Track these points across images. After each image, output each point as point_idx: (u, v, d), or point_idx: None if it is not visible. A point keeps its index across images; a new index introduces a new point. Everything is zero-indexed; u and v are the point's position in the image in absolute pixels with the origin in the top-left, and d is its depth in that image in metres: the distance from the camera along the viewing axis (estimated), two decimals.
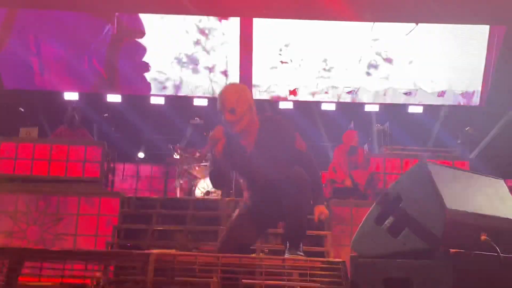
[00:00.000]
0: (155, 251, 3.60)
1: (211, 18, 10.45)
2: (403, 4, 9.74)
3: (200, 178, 8.20)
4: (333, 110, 10.70)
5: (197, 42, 10.53)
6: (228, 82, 9.52)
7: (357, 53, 10.59)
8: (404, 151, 8.32)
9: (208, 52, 10.56)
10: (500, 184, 3.16)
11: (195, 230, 6.98)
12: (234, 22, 10.47)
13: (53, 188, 7.48)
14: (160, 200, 7.40)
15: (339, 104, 10.74)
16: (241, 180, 3.79)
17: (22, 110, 9.65)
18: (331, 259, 3.26)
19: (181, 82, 10.66)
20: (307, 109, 10.77)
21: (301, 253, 3.41)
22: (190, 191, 8.18)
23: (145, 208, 7.33)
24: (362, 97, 10.80)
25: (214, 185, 3.90)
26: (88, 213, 7.28)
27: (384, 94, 10.74)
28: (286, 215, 3.46)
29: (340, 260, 3.17)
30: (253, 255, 4.07)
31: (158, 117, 10.47)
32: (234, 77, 10.41)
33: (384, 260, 2.88)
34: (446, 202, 2.70)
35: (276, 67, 10.65)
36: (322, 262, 3.17)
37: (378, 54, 10.61)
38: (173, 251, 5.53)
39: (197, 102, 10.66)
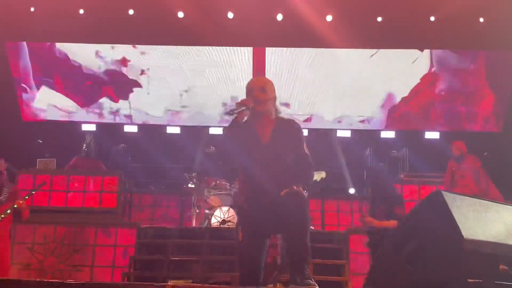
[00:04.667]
0: (171, 282, 3.57)
1: None
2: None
3: (216, 207, 8.16)
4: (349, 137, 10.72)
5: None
6: None
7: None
8: (421, 178, 8.23)
9: None
10: None
11: (211, 260, 6.95)
12: None
13: (70, 219, 7.53)
14: (176, 230, 7.40)
15: (354, 131, 10.75)
16: (241, 181, 3.79)
17: (40, 141, 9.76)
18: None
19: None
20: (323, 135, 10.77)
21: (311, 281, 3.32)
22: (206, 220, 8.15)
23: (161, 238, 7.34)
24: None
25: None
26: (105, 243, 7.32)
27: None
28: (289, 236, 3.46)
29: None
30: (269, 285, 4.02)
31: (174, 147, 10.53)
32: None
33: None
34: (463, 231, 2.66)
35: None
36: None
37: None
38: (189, 283, 5.50)
39: (212, 131, 10.74)
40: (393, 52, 10.67)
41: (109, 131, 10.68)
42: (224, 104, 10.71)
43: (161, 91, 10.85)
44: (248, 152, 3.65)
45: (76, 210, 7.71)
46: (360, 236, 7.11)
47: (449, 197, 2.82)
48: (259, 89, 3.70)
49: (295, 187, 3.45)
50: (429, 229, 2.80)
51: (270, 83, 3.81)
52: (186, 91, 10.85)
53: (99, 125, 10.78)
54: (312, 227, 8.41)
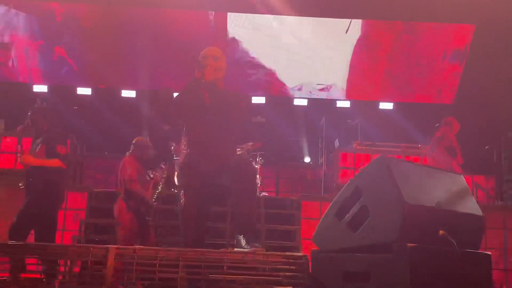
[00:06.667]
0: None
1: None
2: None
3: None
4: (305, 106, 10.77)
5: None
6: None
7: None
8: (373, 147, 8.36)
9: None
10: (459, 180, 3.19)
11: (164, 224, 6.93)
12: None
13: (18, 181, 7.32)
14: None
15: (311, 100, 10.79)
16: (185, 137, 3.79)
17: None
18: (293, 253, 3.25)
19: None
20: (280, 104, 10.79)
21: (259, 245, 3.37)
22: (160, 185, 8.07)
23: (113, 202, 7.23)
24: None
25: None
26: None
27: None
28: (237, 202, 3.49)
29: (301, 254, 3.17)
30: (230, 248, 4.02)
31: (129, 110, 10.36)
32: None
33: (343, 254, 2.90)
34: (405, 196, 2.72)
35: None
36: (284, 256, 3.16)
37: None
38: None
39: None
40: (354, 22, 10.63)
41: (62, 93, 10.38)
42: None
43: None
44: (191, 110, 3.68)
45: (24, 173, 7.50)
46: (312, 202, 7.23)
47: (393, 163, 2.87)
48: (213, 57, 3.81)
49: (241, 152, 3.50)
50: (372, 193, 2.86)
51: (223, 56, 3.93)
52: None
53: (51, 86, 10.46)
54: (266, 194, 8.49)
